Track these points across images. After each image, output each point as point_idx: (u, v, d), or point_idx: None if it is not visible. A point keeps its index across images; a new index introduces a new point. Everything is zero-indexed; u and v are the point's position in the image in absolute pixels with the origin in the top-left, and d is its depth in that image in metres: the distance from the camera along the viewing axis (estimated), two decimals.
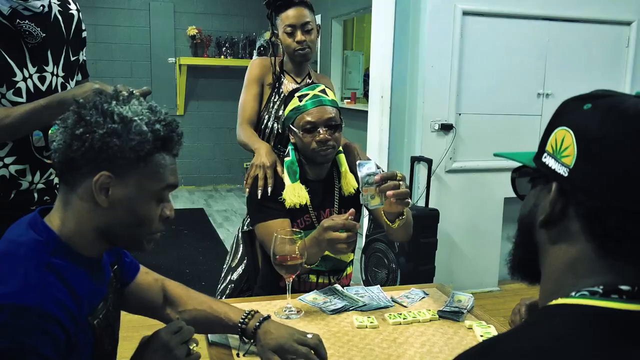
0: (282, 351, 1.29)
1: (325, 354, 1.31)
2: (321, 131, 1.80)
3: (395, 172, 1.64)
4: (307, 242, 1.65)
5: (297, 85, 2.21)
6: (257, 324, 1.35)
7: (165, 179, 1.08)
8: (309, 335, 1.32)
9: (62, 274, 1.01)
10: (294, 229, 1.77)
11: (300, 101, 1.84)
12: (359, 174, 1.63)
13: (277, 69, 2.26)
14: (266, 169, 1.87)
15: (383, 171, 1.66)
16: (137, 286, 1.35)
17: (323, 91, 1.87)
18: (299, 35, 2.18)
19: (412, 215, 3.25)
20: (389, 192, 1.59)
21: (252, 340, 1.36)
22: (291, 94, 1.92)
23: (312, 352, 1.29)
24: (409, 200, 1.67)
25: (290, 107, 1.88)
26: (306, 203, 1.86)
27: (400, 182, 1.62)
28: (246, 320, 1.36)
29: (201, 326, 1.38)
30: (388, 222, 1.73)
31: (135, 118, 1.03)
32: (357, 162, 1.67)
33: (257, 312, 1.39)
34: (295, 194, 1.83)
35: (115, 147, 1.01)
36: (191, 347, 1.14)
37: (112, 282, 1.21)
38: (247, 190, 1.88)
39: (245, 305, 1.51)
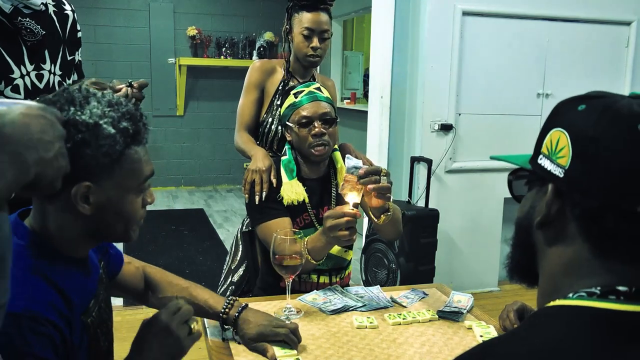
0: (262, 337, 1.39)
1: (300, 337, 1.42)
2: (316, 125, 1.82)
3: (379, 167, 1.65)
4: (311, 238, 1.68)
5: None
6: (237, 313, 1.43)
7: (142, 173, 1.07)
8: (287, 322, 1.44)
9: (49, 276, 1.00)
10: (294, 229, 1.78)
11: (296, 97, 1.87)
12: (346, 165, 1.64)
13: (285, 73, 2.26)
14: (262, 174, 1.88)
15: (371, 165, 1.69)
16: (123, 276, 1.38)
17: (318, 88, 1.90)
18: (315, 42, 2.16)
19: (412, 215, 3.31)
20: (370, 186, 1.59)
21: (232, 328, 1.44)
22: (287, 92, 1.94)
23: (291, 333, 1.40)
24: (390, 195, 1.68)
25: (286, 104, 1.91)
26: (304, 201, 1.87)
27: (383, 177, 1.63)
28: (227, 309, 1.43)
29: None
30: (374, 219, 1.74)
31: (100, 122, 0.99)
32: (347, 155, 1.69)
33: (237, 299, 1.46)
34: (292, 190, 1.84)
35: (87, 157, 0.98)
36: (192, 326, 1.14)
37: (102, 278, 1.22)
38: (246, 195, 1.89)
39: None
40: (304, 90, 1.88)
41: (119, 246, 1.63)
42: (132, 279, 1.41)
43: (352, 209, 1.59)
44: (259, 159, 1.94)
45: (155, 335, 1.09)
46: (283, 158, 1.91)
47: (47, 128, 0.76)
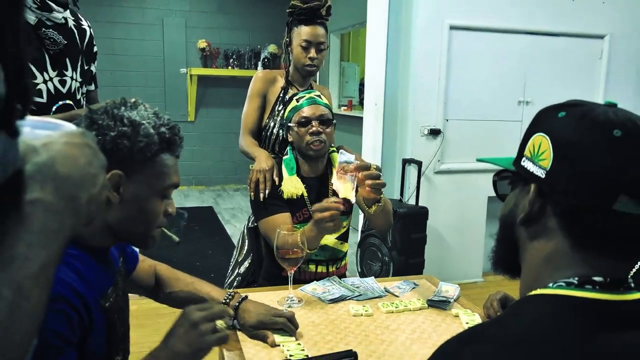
0: (262, 325, 1.38)
1: (297, 324, 1.42)
2: (314, 124, 1.84)
3: (369, 164, 1.65)
4: (306, 229, 1.69)
5: None
6: (237, 303, 1.42)
7: (169, 178, 1.09)
8: (284, 311, 1.44)
9: (67, 260, 1.00)
10: (294, 225, 1.79)
11: (298, 102, 1.90)
12: (338, 160, 1.64)
13: (285, 82, 2.28)
14: (265, 173, 1.89)
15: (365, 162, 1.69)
16: (137, 274, 1.39)
17: (318, 95, 1.93)
18: (312, 52, 2.18)
19: (404, 213, 3.31)
20: (368, 182, 1.60)
21: (233, 317, 1.43)
22: (290, 98, 1.97)
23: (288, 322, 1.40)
24: (382, 191, 1.70)
25: (289, 108, 1.93)
26: (303, 196, 1.88)
27: (380, 174, 1.65)
28: (228, 300, 1.42)
29: (187, 304, 1.43)
30: (366, 208, 1.75)
31: (143, 122, 1.04)
32: (340, 151, 1.69)
33: (237, 292, 1.46)
34: (292, 185, 1.86)
35: (125, 149, 1.01)
36: (218, 325, 1.09)
37: (121, 270, 1.22)
38: (252, 194, 1.89)
39: (250, 295, 1.51)
40: (304, 96, 1.91)
41: None
42: (145, 276, 1.41)
43: (337, 201, 1.61)
44: (262, 160, 1.95)
45: (180, 326, 1.08)
46: (285, 157, 1.94)
47: (93, 159, 0.60)
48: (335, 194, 1.87)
